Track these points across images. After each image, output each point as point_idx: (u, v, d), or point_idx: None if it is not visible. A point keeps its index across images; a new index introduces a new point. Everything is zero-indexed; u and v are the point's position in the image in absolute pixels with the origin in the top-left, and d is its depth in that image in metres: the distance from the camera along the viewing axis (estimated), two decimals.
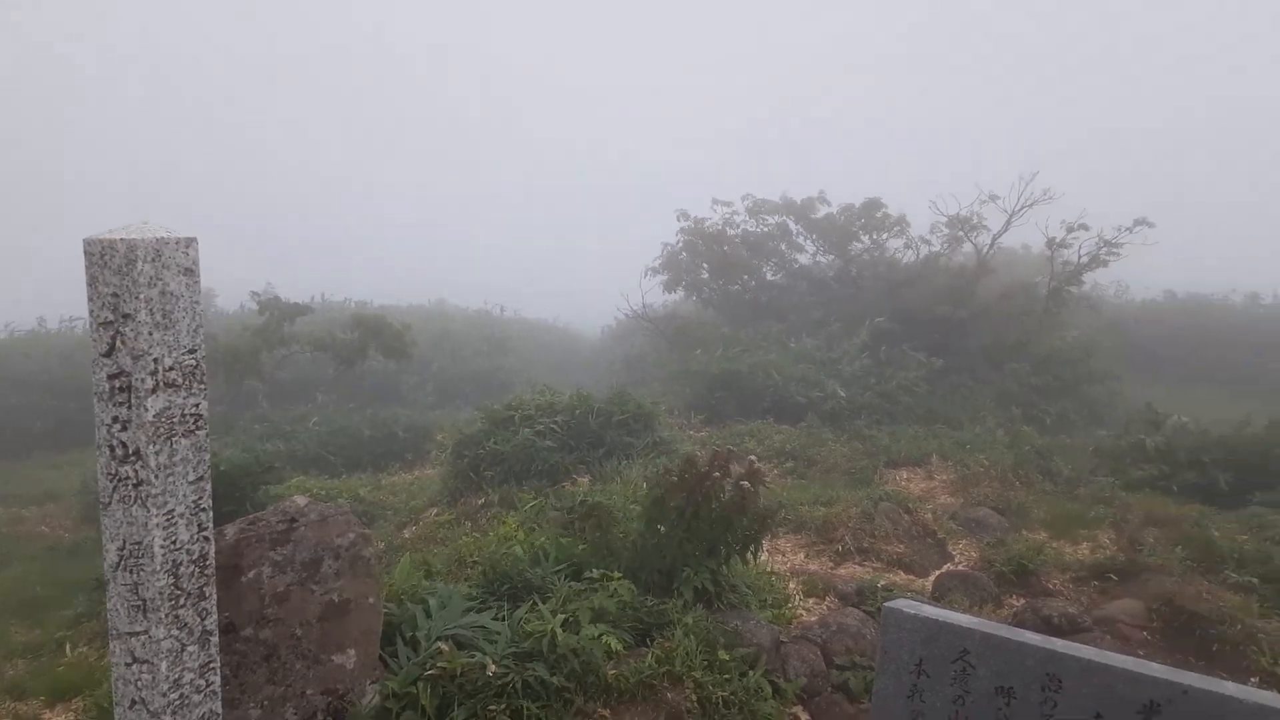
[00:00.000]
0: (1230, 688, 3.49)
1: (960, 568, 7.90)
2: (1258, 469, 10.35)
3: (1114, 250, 16.62)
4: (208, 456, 3.29)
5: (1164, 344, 23.14)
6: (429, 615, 4.66)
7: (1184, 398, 18.66)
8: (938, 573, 7.67)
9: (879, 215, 20.99)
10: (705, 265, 22.24)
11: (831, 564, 7.93)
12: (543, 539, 5.94)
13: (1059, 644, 3.83)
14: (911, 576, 7.78)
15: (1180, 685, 3.46)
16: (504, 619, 4.79)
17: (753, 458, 5.85)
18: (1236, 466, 10.46)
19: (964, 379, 15.64)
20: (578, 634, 4.61)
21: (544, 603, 4.94)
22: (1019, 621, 6.69)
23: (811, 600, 6.90)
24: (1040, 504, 9.85)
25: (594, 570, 5.37)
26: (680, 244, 22.71)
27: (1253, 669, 6.48)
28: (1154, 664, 3.78)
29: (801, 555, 8.11)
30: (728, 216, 22.94)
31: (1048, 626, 6.53)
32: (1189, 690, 3.44)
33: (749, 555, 5.66)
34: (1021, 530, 9.01)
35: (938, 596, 7.12)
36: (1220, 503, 9.83)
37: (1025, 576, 7.59)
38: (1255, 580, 7.49)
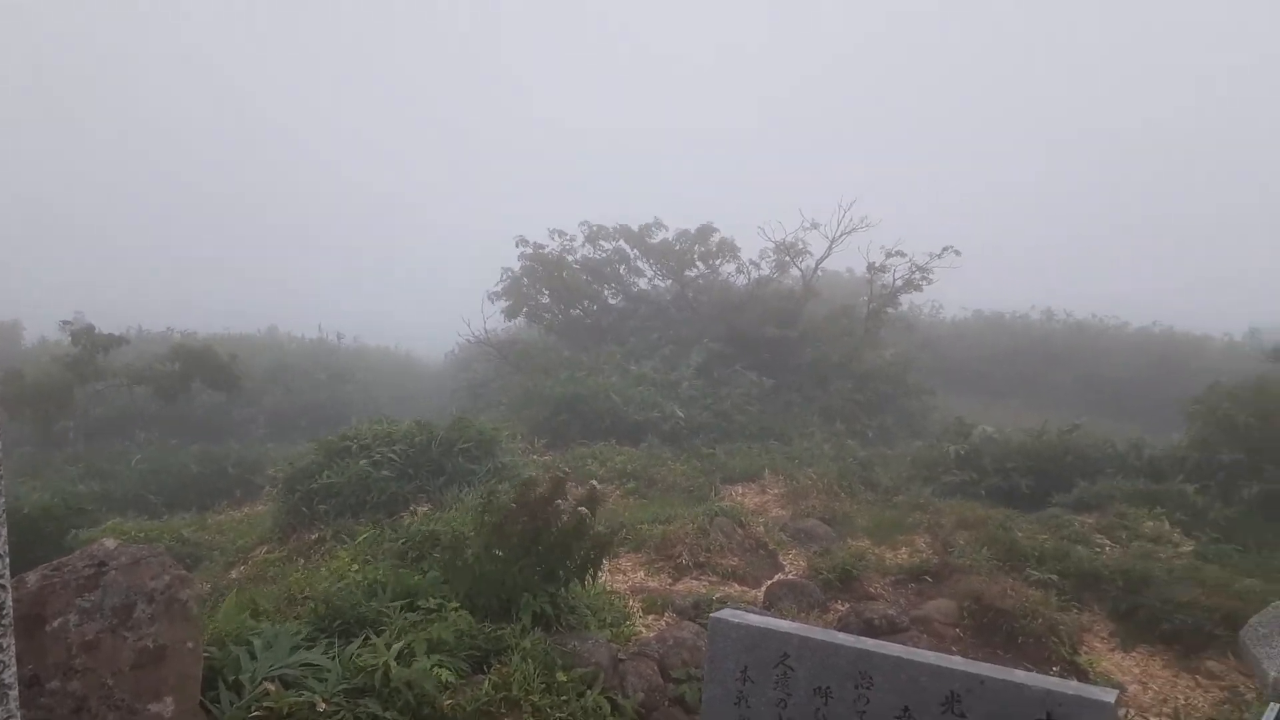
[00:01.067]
0: (1020, 676, 3.82)
1: (790, 576, 8.26)
2: (1054, 473, 11.31)
3: (926, 274, 17.88)
4: (2, 500, 3.09)
5: (973, 359, 24.94)
6: (254, 656, 4.49)
7: (992, 408, 20.17)
8: (769, 582, 7.99)
9: (713, 241, 21.68)
10: (546, 291, 22.35)
11: (670, 580, 8.12)
12: (378, 571, 5.83)
13: (870, 643, 4.09)
14: (745, 587, 8.06)
15: (978, 676, 3.76)
16: (335, 655, 4.68)
17: (594, 482, 5.95)
18: (1036, 471, 11.40)
19: (794, 396, 16.34)
20: (411, 666, 4.56)
21: (378, 636, 4.86)
22: (843, 625, 7.06)
23: (651, 617, 7.05)
24: (863, 513, 10.42)
25: (431, 600, 5.32)
26: (521, 269, 22.75)
27: (1054, 658, 7.08)
28: (955, 658, 4.09)
29: (641, 573, 8.26)
30: (565, 244, 23.16)
31: (869, 629, 6.92)
32: (985, 680, 3.74)
33: (588, 577, 5.75)
34: (846, 538, 9.49)
35: (769, 605, 7.41)
36: (1022, 505, 10.68)
37: (849, 582, 8.01)
38: (1054, 576, 8.19)
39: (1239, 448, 10.83)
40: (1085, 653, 7.24)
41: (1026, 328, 26.63)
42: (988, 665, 4.05)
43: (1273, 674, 3.42)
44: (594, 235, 23.18)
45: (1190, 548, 9.15)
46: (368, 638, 4.88)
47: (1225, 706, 6.46)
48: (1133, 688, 6.98)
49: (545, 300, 22.52)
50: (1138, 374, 22.51)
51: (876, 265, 18.30)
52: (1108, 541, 9.19)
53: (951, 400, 20.00)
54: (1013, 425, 14.23)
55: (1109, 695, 3.61)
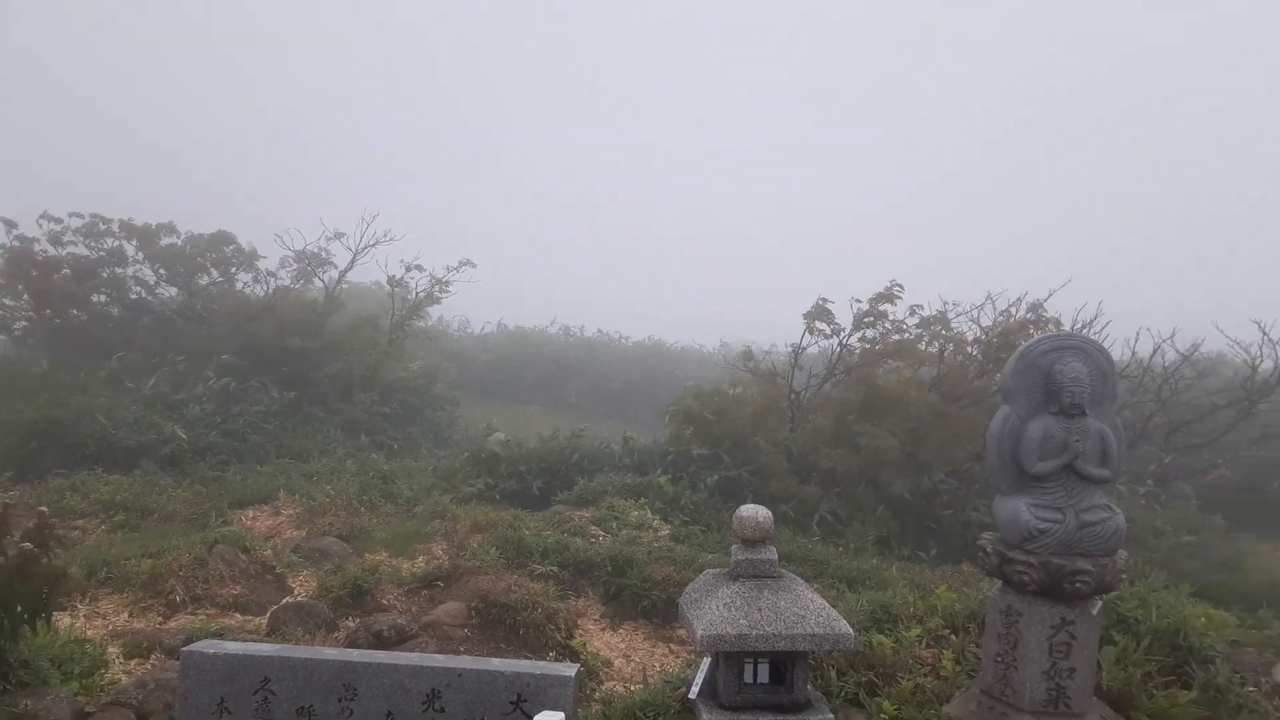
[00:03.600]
0: (496, 664, 4.11)
1: (300, 599, 7.98)
2: (561, 474, 12.28)
3: (445, 288, 18.44)
4: None
5: (499, 369, 26.21)
6: None
7: (515, 415, 21.32)
8: (275, 608, 7.65)
9: (229, 249, 20.17)
10: (25, 293, 18.98)
11: (161, 618, 7.41)
12: None
13: (353, 654, 4.13)
14: (249, 616, 7.63)
15: (456, 670, 3.98)
16: None
17: (44, 509, 5.22)
18: (546, 473, 12.30)
19: (316, 411, 15.81)
20: None
21: None
22: (352, 641, 7.00)
23: (135, 661, 6.36)
24: (383, 525, 10.41)
25: None
26: None
27: (550, 644, 7.66)
28: (436, 656, 4.28)
29: (126, 614, 7.43)
30: (55, 234, 19.74)
31: (379, 640, 6.93)
32: (463, 673, 3.97)
33: (40, 625, 5.04)
34: (364, 553, 9.40)
35: (273, 631, 7.10)
36: (533, 505, 11.44)
37: (361, 597, 7.95)
38: (555, 568, 8.87)
39: (706, 442, 12.67)
40: (580, 635, 7.93)
41: (545, 340, 28.62)
42: (468, 659, 4.32)
43: (700, 632, 4.08)
44: (90, 230, 20.01)
45: (667, 531, 10.49)
46: None
47: (689, 669, 7.54)
48: (618, 661, 7.81)
49: (24, 304, 19.10)
50: (637, 382, 25.34)
51: (397, 279, 18.46)
52: (601, 532, 10.18)
53: (479, 409, 20.75)
54: (532, 431, 15.14)
55: (569, 671, 4.05)
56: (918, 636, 6.06)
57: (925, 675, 5.53)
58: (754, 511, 4.48)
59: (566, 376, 25.90)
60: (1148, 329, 15.72)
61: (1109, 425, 4.57)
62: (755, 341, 17.05)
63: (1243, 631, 6.70)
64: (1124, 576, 4.76)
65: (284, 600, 7.95)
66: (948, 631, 6.20)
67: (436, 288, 18.40)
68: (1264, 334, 14.58)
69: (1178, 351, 15.45)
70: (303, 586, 8.42)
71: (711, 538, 10.40)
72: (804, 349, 13.85)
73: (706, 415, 12.75)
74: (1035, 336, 5.43)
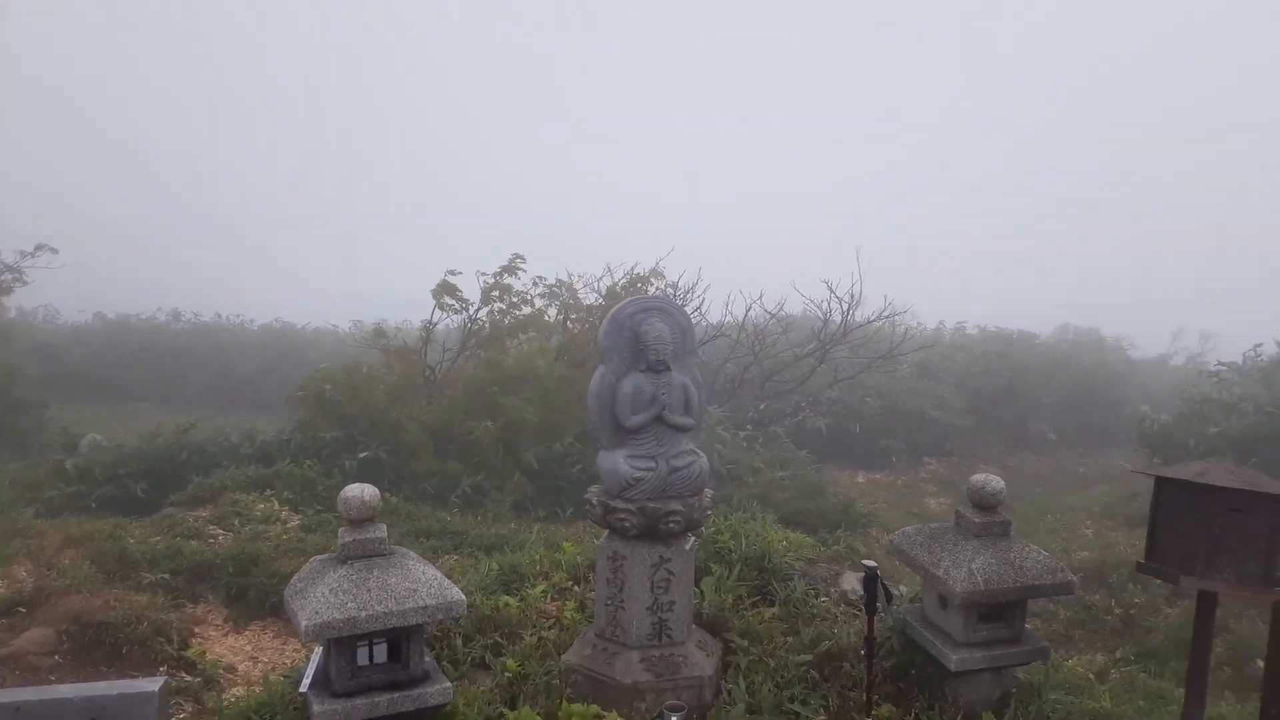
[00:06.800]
0: (64, 690, 3.69)
1: None
2: (170, 474, 11.17)
3: (19, 276, 15.96)
4: None
5: (99, 364, 23.25)
6: None
7: (122, 413, 19.09)
8: None
9: None
10: None
11: None
12: None
13: None
14: None
15: (13, 704, 3.52)
16: None
17: None
18: (151, 475, 11.12)
19: None
20: None
21: None
22: None
23: None
24: None
25: None
26: None
27: (161, 658, 7.00)
28: None
29: None
30: None
31: None
32: (21, 707, 3.51)
33: None
34: None
35: None
36: (139, 511, 10.33)
37: None
38: (167, 576, 8.10)
39: (339, 424, 12.17)
40: (198, 643, 7.34)
41: (154, 330, 25.68)
42: (29, 690, 3.82)
43: (305, 622, 3.92)
44: None
45: (298, 521, 9.95)
46: None
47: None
48: (244, 665, 7.34)
49: None
50: (266, 368, 23.61)
51: None
52: (221, 531, 9.45)
53: (78, 411, 18.36)
54: (141, 429, 13.57)
55: (153, 685, 3.73)
56: (543, 592, 6.31)
57: (549, 628, 5.77)
58: (359, 491, 4.40)
59: (185, 368, 23.49)
60: (740, 291, 17.47)
61: (690, 378, 5.03)
62: (387, 319, 16.61)
63: (817, 549, 7.75)
64: (710, 513, 5.28)
65: None
66: (571, 583, 6.52)
67: (9, 275, 15.80)
68: (831, 291, 16.81)
69: (766, 311, 17.37)
70: None
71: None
72: (435, 325, 13.75)
73: (339, 396, 12.25)
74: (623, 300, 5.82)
